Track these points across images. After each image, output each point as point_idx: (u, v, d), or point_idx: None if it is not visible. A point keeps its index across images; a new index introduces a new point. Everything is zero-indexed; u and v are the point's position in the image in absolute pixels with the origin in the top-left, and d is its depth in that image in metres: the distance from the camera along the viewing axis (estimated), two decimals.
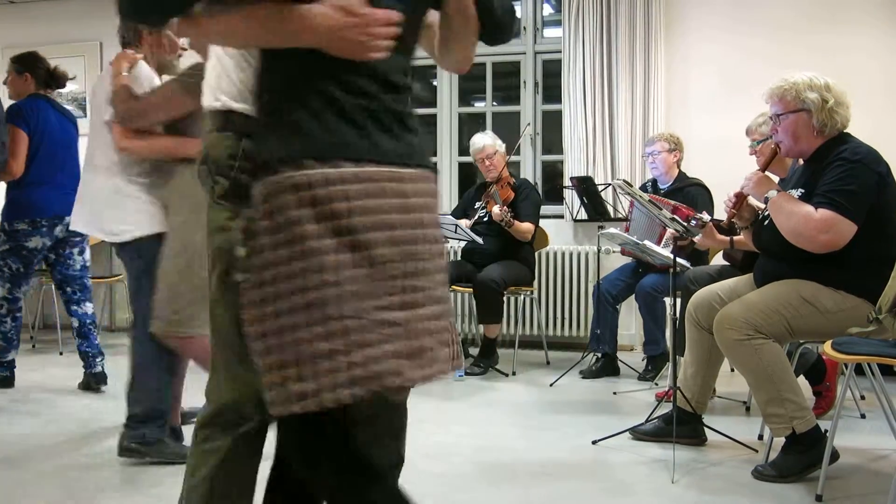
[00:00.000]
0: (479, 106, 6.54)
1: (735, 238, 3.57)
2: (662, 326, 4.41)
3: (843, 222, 2.66)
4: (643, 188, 4.64)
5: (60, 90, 4.38)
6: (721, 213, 3.31)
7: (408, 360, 1.39)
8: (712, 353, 3.10)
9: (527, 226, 4.77)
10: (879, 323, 2.49)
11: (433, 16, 1.64)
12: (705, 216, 3.47)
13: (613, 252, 5.15)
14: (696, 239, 3.45)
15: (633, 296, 4.52)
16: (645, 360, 4.56)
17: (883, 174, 2.73)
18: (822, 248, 2.71)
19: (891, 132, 4.93)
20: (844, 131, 2.85)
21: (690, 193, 4.40)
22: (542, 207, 5.16)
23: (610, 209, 4.95)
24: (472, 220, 4.89)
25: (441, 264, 1.51)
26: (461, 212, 5.11)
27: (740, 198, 3.00)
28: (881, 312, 2.49)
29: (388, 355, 1.37)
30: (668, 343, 4.49)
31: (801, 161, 3.02)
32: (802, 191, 2.83)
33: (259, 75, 1.48)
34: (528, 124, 5.57)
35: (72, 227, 3.06)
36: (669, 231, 4.05)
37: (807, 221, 2.70)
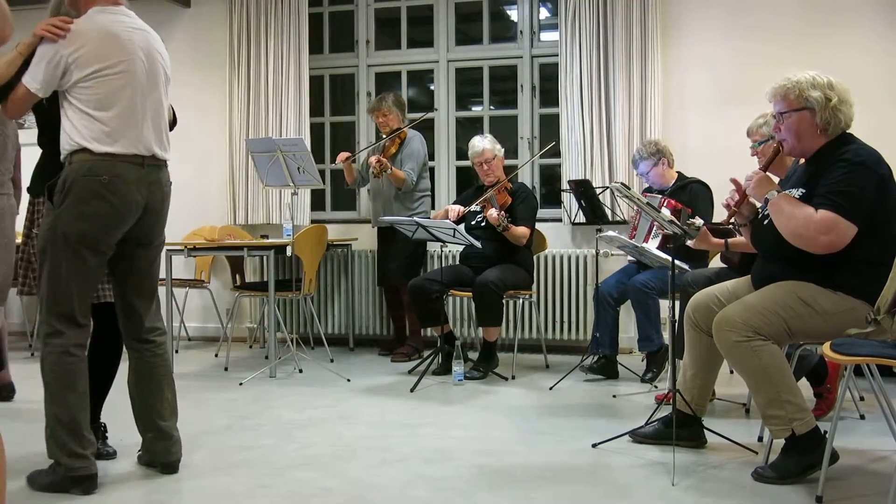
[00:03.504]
0: (476, 110, 6.55)
1: (730, 241, 3.57)
2: (656, 322, 4.41)
3: (844, 223, 2.66)
4: (648, 189, 4.65)
5: None
6: (720, 214, 3.31)
7: None
8: (711, 356, 3.10)
9: (522, 230, 4.77)
10: (878, 324, 2.49)
11: None
12: (698, 220, 3.48)
13: (612, 255, 5.15)
14: (690, 243, 3.45)
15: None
16: (644, 360, 4.56)
17: (885, 177, 2.73)
18: (823, 250, 2.70)
19: (889, 133, 4.94)
20: (847, 132, 2.84)
21: (693, 190, 4.41)
22: (541, 211, 5.17)
23: (608, 212, 4.96)
24: (465, 210, 4.87)
25: None
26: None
27: (741, 195, 2.99)
28: (880, 313, 2.49)
29: None
30: (665, 340, 4.50)
31: (801, 160, 3.02)
32: (803, 190, 2.82)
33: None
34: (553, 143, 5.46)
35: None
36: (657, 226, 4.06)
37: (807, 223, 2.69)
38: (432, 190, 5.67)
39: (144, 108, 2.71)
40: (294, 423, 3.65)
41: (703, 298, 3.12)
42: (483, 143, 4.91)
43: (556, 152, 5.53)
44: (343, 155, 5.30)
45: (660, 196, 4.30)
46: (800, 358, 3.33)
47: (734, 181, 3.01)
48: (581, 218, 4.99)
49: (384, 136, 5.36)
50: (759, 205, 3.03)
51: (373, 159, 5.13)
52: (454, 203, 5.23)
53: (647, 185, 4.71)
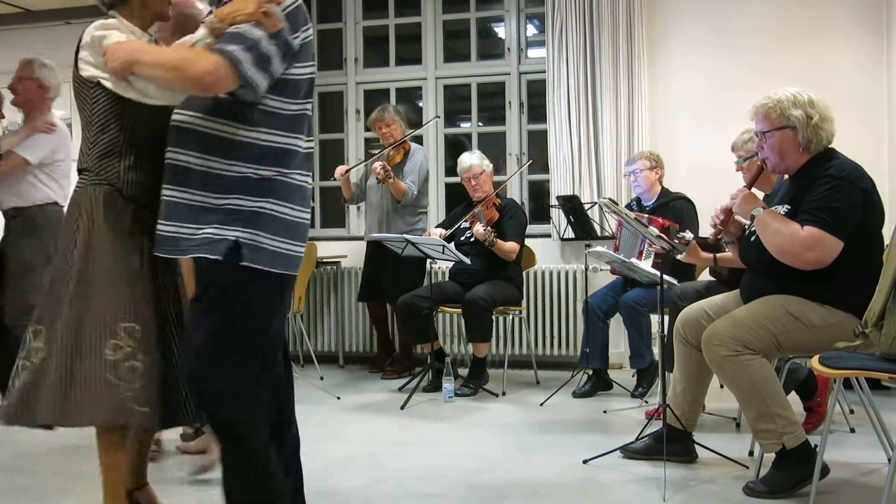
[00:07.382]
0: (464, 126, 6.57)
1: (718, 255, 3.59)
2: (648, 339, 4.41)
3: (829, 239, 2.68)
4: (629, 206, 4.66)
5: None
6: (706, 229, 3.33)
7: None
8: (701, 370, 3.10)
9: (511, 245, 4.77)
10: (866, 337, 2.50)
11: None
12: (688, 234, 3.50)
13: (601, 270, 5.16)
14: (679, 256, 3.47)
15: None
16: (635, 377, 4.56)
17: (868, 190, 2.76)
18: (809, 266, 2.72)
19: (872, 148, 4.99)
20: (830, 147, 2.87)
21: (676, 207, 4.43)
22: (529, 227, 5.18)
23: (597, 228, 4.97)
24: (450, 231, 4.89)
25: None
26: (446, 226, 5.10)
27: (727, 213, 3.02)
28: (867, 326, 2.50)
29: None
30: (656, 357, 4.50)
31: (786, 176, 3.05)
32: (788, 207, 2.84)
33: None
34: (530, 161, 5.49)
35: None
36: (647, 244, 4.08)
37: (793, 239, 2.71)
38: None
39: None
40: None
41: (692, 313, 3.13)
42: (471, 159, 4.94)
43: (544, 167, 5.56)
44: (342, 169, 5.27)
45: (646, 216, 4.31)
46: (789, 371, 3.35)
47: (722, 209, 3.03)
48: (570, 234, 5.00)
49: (384, 149, 5.30)
50: (745, 222, 3.05)
51: (377, 165, 5.05)
52: (442, 222, 5.26)
53: (633, 197, 4.74)
